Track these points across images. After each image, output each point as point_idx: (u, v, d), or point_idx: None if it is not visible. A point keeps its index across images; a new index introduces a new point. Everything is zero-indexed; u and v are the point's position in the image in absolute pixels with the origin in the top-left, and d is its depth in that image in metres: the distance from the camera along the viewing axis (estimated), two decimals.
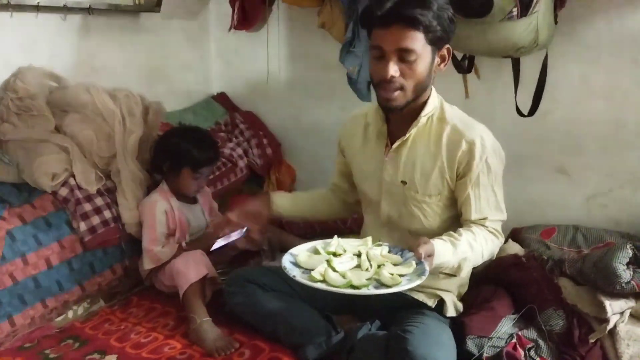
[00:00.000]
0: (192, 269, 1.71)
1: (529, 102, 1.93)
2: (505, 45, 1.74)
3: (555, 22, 1.83)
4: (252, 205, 1.61)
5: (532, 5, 1.67)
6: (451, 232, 1.38)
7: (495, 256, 1.49)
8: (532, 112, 1.92)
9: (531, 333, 1.55)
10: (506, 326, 1.54)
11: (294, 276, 1.25)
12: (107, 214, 1.89)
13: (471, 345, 1.48)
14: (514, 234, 1.98)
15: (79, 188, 1.86)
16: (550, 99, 1.93)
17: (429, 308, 1.51)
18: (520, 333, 1.53)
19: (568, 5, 1.84)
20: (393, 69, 1.32)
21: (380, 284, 1.23)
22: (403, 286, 1.21)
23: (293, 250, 1.37)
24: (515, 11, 1.67)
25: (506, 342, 1.50)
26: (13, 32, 1.98)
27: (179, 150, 1.89)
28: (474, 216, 1.43)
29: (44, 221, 1.79)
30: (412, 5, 1.29)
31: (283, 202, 1.64)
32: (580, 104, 1.99)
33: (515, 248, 1.85)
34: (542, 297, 1.61)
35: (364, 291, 1.21)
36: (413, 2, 1.30)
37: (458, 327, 1.52)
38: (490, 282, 1.71)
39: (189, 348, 1.57)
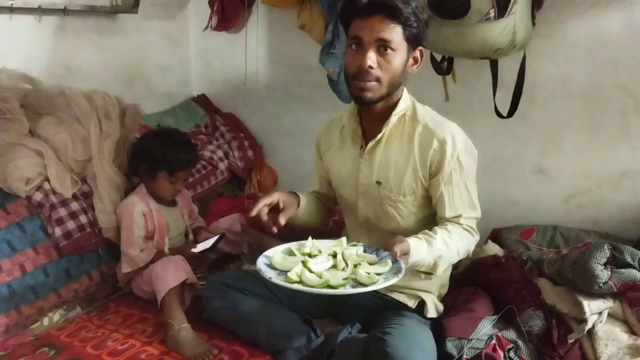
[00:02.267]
0: (171, 273, 1.68)
1: (507, 103, 1.93)
2: (483, 47, 1.74)
3: (533, 24, 1.84)
4: (288, 198, 1.49)
5: (509, 7, 1.67)
6: (426, 231, 1.38)
7: (471, 254, 1.49)
8: (511, 113, 1.93)
9: (511, 334, 1.55)
10: (486, 327, 1.54)
11: (270, 278, 1.23)
12: (82, 218, 1.86)
13: (451, 347, 1.48)
14: (494, 235, 1.99)
15: (54, 192, 1.83)
16: (528, 100, 1.94)
17: (409, 309, 1.51)
18: (499, 334, 1.53)
19: (545, 7, 1.86)
20: (371, 59, 1.33)
21: (357, 283, 1.23)
22: (380, 284, 1.20)
23: (267, 252, 1.35)
24: (492, 13, 1.67)
25: (486, 343, 1.50)
26: None
27: (155, 153, 1.86)
28: (448, 214, 1.44)
29: (18, 227, 1.75)
30: None
31: (302, 202, 1.57)
32: (558, 104, 2.00)
33: (494, 249, 1.86)
34: (521, 297, 1.61)
35: (341, 290, 1.20)
36: None
37: (438, 328, 1.52)
38: (470, 283, 1.71)
39: (167, 355, 1.54)
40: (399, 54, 1.36)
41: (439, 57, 2.02)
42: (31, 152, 1.81)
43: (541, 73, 1.98)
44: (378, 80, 1.36)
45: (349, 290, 1.20)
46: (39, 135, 1.87)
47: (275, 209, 1.45)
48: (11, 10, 2.00)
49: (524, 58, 1.89)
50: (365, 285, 1.21)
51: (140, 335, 1.65)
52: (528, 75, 1.90)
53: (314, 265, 1.27)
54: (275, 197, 1.44)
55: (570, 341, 1.51)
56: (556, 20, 1.93)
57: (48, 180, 1.83)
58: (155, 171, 1.88)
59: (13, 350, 1.59)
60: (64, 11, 2.15)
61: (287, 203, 1.48)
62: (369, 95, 1.37)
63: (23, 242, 1.74)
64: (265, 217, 1.40)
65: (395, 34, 1.33)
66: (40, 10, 2.08)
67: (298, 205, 1.53)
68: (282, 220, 1.42)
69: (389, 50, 1.34)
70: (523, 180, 2.11)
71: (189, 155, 1.93)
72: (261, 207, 1.40)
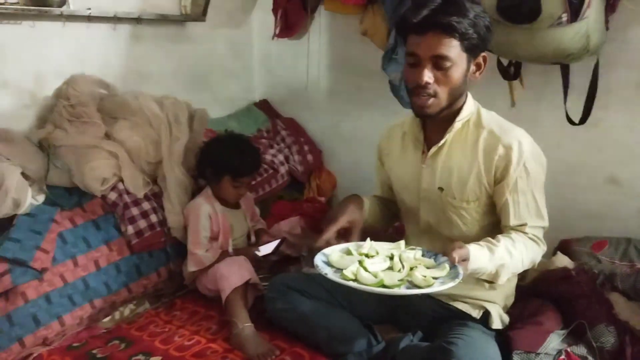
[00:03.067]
0: (235, 273, 1.73)
1: (579, 109, 1.87)
2: (554, 52, 1.69)
3: (607, 28, 1.77)
4: (353, 214, 1.47)
5: (582, 11, 1.62)
6: (489, 238, 1.35)
7: (537, 264, 1.45)
8: (583, 120, 1.86)
9: (581, 349, 1.49)
10: (554, 342, 1.50)
11: (326, 274, 1.24)
12: (153, 217, 1.94)
13: None
14: (562, 246, 1.92)
15: (127, 192, 1.92)
16: (602, 107, 1.87)
17: (473, 319, 1.48)
18: (569, 349, 1.48)
19: (619, 10, 1.78)
20: (427, 75, 1.32)
21: (413, 285, 1.21)
22: (435, 288, 1.18)
23: (326, 250, 1.36)
24: (564, 17, 1.62)
25: (554, 358, 1.45)
26: (66, 42, 2.08)
27: (221, 158, 1.93)
28: (512, 222, 1.40)
29: (93, 224, 1.85)
30: (448, 13, 1.28)
31: (366, 206, 1.56)
32: (633, 111, 1.91)
33: (564, 261, 1.79)
34: (592, 312, 1.55)
35: (395, 290, 1.19)
36: (449, 9, 1.29)
37: (504, 340, 1.48)
38: (538, 296, 1.66)
39: (231, 353, 1.58)
40: (458, 67, 1.33)
41: (505, 62, 1.98)
42: (107, 154, 1.91)
43: (615, 78, 1.90)
44: (436, 95, 1.34)
45: (402, 290, 1.19)
46: (114, 138, 1.97)
47: (343, 230, 1.44)
48: (89, 18, 2.11)
49: (597, 63, 1.82)
50: (420, 288, 1.19)
51: (205, 332, 1.70)
52: (601, 81, 1.83)
53: (370, 265, 1.27)
54: (341, 222, 1.43)
55: None
56: (631, 24, 1.85)
57: (122, 180, 1.92)
58: (220, 175, 1.93)
59: (86, 342, 1.68)
60: (138, 20, 2.25)
61: (353, 221, 1.45)
62: (428, 111, 1.36)
63: (98, 239, 1.84)
64: (334, 244, 1.40)
65: (452, 48, 1.30)
66: (115, 19, 2.19)
67: (362, 208, 1.52)
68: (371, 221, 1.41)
69: (446, 65, 1.31)
70: (594, 189, 2.03)
71: (252, 162, 1.98)
72: (330, 237, 1.40)
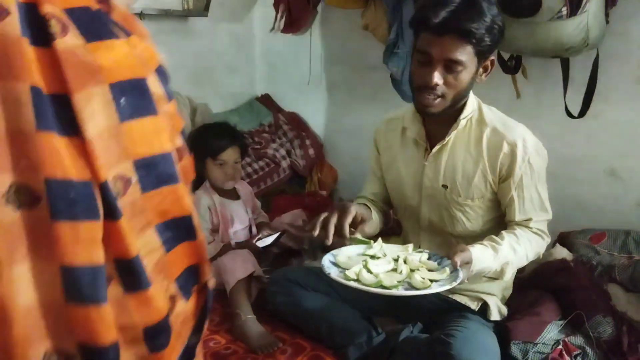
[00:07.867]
0: (239, 266, 1.74)
1: (578, 102, 1.88)
2: (554, 45, 1.70)
3: (607, 21, 1.78)
4: (363, 209, 1.43)
5: (582, 4, 1.63)
6: (493, 237, 1.36)
7: (542, 256, 1.46)
8: (582, 113, 1.87)
9: (578, 340, 1.51)
10: (552, 332, 1.51)
11: (329, 274, 1.26)
12: None
13: (515, 350, 1.46)
14: (561, 238, 1.94)
15: None
16: (602, 100, 1.88)
17: (472, 311, 1.50)
18: (566, 339, 1.49)
19: (620, 4, 1.78)
20: (437, 77, 1.31)
21: (411, 287, 1.24)
22: (432, 290, 1.21)
23: (335, 251, 1.38)
24: (564, 10, 1.63)
25: (552, 348, 1.47)
26: None
27: (198, 143, 1.94)
28: (518, 217, 1.41)
29: None
30: (468, 18, 1.26)
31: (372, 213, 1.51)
32: (632, 104, 1.92)
33: (563, 253, 1.81)
34: (590, 303, 1.57)
35: (392, 292, 1.21)
36: (469, 13, 1.27)
37: (502, 331, 1.50)
38: (536, 287, 1.68)
39: (233, 344, 1.60)
40: (468, 70, 1.32)
41: (506, 56, 1.99)
42: None
43: (615, 72, 1.90)
44: (443, 96, 1.34)
45: (399, 292, 1.21)
46: None
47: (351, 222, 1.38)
48: None
49: (596, 56, 1.83)
50: (417, 289, 1.22)
51: (208, 323, 1.72)
52: (601, 75, 1.84)
53: (374, 267, 1.29)
54: (353, 212, 1.37)
55: None
56: (631, 17, 1.85)
57: None
58: (203, 161, 1.95)
59: None
60: (141, 15, 2.26)
61: (365, 214, 1.41)
62: (432, 110, 1.36)
63: None
64: (347, 236, 1.34)
65: (465, 54, 1.29)
66: None
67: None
68: (368, 229, 1.38)
69: (457, 69, 1.30)
70: (594, 182, 2.04)
71: (228, 136, 1.98)
72: (347, 227, 1.34)
